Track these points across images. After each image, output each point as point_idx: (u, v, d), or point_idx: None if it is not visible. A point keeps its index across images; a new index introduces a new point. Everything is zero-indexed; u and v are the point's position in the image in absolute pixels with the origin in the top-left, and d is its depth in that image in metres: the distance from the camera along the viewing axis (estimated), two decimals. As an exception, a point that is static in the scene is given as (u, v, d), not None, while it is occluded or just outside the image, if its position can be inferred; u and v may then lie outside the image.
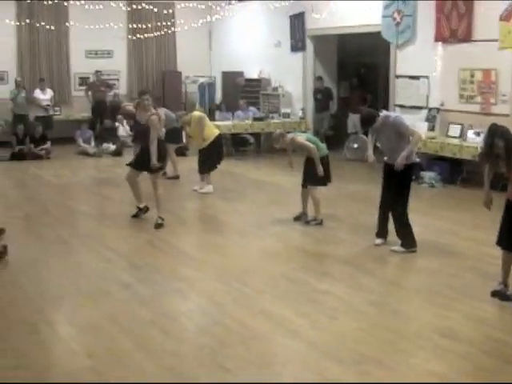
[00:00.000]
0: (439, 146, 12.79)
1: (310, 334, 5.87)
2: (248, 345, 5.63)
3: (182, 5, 19.59)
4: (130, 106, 11.13)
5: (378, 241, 8.62)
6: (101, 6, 18.34)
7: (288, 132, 10.67)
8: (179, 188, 12.73)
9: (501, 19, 11.96)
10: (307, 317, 6.26)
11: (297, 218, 9.96)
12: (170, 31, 20.25)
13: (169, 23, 20.05)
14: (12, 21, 18.48)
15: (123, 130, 17.92)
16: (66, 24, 19.14)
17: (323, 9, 16.23)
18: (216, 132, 12.46)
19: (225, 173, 13.59)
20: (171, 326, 6.11)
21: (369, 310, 6.49)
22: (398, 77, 14.63)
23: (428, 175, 12.78)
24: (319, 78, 17.25)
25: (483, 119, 11.98)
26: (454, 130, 12.99)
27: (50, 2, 18.41)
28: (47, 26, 18.77)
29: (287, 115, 17.25)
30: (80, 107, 19.24)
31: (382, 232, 8.63)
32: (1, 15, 17.99)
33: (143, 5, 19.63)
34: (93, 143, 17.57)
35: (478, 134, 12.18)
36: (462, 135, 12.76)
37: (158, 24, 20.03)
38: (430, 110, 13.62)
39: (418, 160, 8.79)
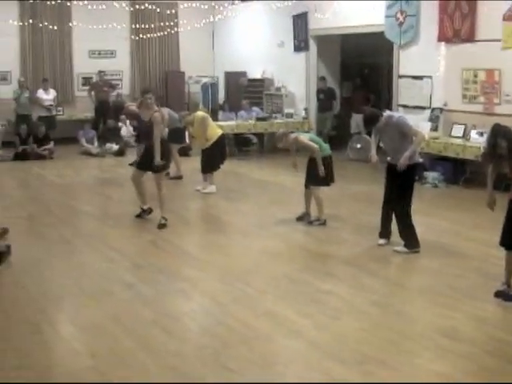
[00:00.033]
0: (442, 146, 12.77)
1: (312, 334, 5.87)
2: (251, 345, 5.63)
3: (185, 5, 19.59)
4: (133, 106, 11.13)
5: (381, 241, 8.61)
6: (104, 6, 18.35)
7: (291, 132, 10.66)
8: (182, 188, 12.74)
9: (504, 19, 11.94)
10: (310, 317, 6.26)
11: (300, 219, 9.96)
12: (172, 31, 20.28)
13: (172, 23, 20.08)
14: (15, 21, 18.51)
15: (126, 130, 17.93)
16: (69, 24, 19.15)
17: (326, 9, 16.23)
18: (219, 132, 12.46)
19: (228, 173, 13.59)
20: (174, 326, 6.12)
21: (371, 310, 6.48)
22: (401, 77, 14.62)
23: (431, 175, 12.77)
24: (322, 78, 17.25)
25: (486, 119, 11.96)
26: (457, 130, 12.98)
27: (52, 2, 18.43)
28: (50, 26, 18.79)
29: (290, 115, 17.25)
30: (83, 107, 19.26)
31: (385, 232, 8.62)
32: (4, 15, 17.99)
33: (146, 5, 19.65)
34: (96, 143, 17.58)
35: (481, 134, 12.16)
36: (466, 135, 12.74)
37: (161, 24, 20.04)
38: (433, 110, 13.61)
39: (421, 160, 8.79)
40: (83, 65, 19.58)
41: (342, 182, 11.30)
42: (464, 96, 12.97)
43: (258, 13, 18.83)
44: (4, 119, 18.34)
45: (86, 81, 19.61)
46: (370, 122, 8.43)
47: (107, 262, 8.11)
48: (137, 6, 19.67)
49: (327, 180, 9.77)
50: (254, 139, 17.78)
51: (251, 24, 19.25)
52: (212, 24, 20.34)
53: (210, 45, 21.19)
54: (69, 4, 19.03)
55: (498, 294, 6.68)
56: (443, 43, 13.37)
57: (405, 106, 14.45)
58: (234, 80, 19.45)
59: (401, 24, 14.26)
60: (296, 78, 17.72)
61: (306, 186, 9.84)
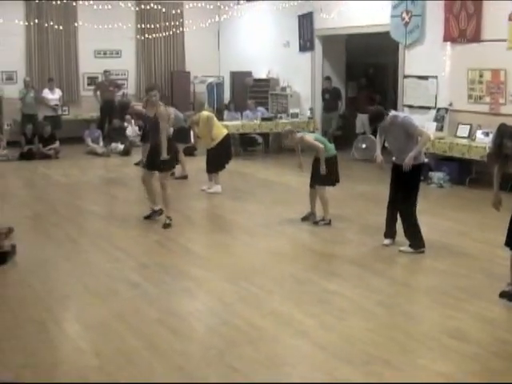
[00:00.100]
0: (448, 146, 12.76)
1: (318, 334, 5.87)
2: (256, 345, 5.63)
3: (191, 5, 19.62)
4: (138, 106, 11.15)
5: (387, 241, 8.61)
6: (109, 6, 18.38)
7: (297, 131, 10.66)
8: (188, 188, 12.74)
9: (510, 19, 11.93)
10: (316, 317, 6.26)
11: (305, 218, 9.96)
12: (178, 31, 20.33)
13: (177, 23, 20.12)
14: (21, 21, 18.54)
15: (132, 129, 17.95)
16: (75, 24, 19.19)
17: (332, 9, 16.23)
18: (224, 132, 12.47)
19: (233, 173, 13.60)
20: (179, 325, 6.12)
21: (377, 310, 6.48)
22: (406, 77, 14.61)
23: (436, 175, 12.76)
24: (327, 78, 17.24)
25: (492, 119, 11.95)
26: (463, 131, 12.97)
27: (58, 2, 18.46)
28: (56, 26, 18.83)
29: (295, 115, 17.24)
30: (88, 107, 19.29)
31: (390, 232, 8.62)
32: (10, 15, 18.03)
33: (152, 5, 19.70)
34: (101, 143, 17.61)
35: (486, 134, 12.15)
36: (471, 135, 12.73)
37: (167, 24, 20.08)
38: (439, 110, 13.60)
39: (426, 160, 8.78)
40: (89, 64, 19.62)
41: (347, 181, 11.31)
42: (469, 96, 12.96)
43: (264, 13, 18.84)
44: (10, 119, 18.41)
45: (92, 80, 19.63)
46: (375, 120, 8.42)
47: (113, 262, 8.12)
48: (142, 6, 19.71)
49: (332, 180, 9.78)
50: (260, 139, 17.80)
51: (257, 24, 19.26)
52: (217, 24, 20.37)
53: (215, 45, 21.20)
54: (74, 4, 19.06)
55: (502, 295, 6.66)
56: (449, 43, 13.36)
57: (410, 106, 14.44)
58: (240, 80, 19.45)
59: (406, 24, 14.26)
60: (301, 78, 17.72)
61: (312, 185, 9.84)
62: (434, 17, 13.57)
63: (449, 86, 13.46)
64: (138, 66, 20.54)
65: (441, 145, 12.88)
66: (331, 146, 9.88)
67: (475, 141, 12.48)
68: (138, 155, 15.67)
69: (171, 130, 10.74)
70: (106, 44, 19.52)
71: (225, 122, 15.51)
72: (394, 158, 8.44)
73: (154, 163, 9.73)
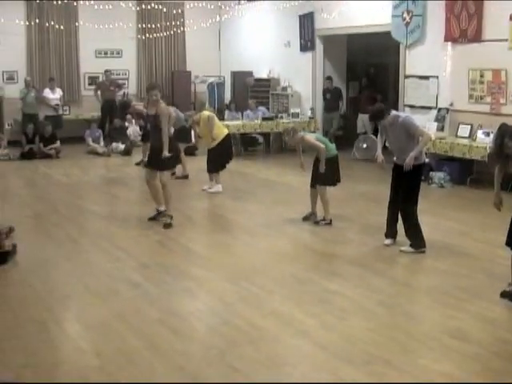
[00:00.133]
0: (449, 146, 12.76)
1: (319, 334, 5.87)
2: (257, 345, 5.63)
3: (192, 5, 19.64)
4: (139, 106, 11.12)
5: (387, 241, 8.61)
6: (110, 6, 18.41)
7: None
8: (188, 188, 12.74)
9: (511, 19, 11.93)
10: (317, 317, 6.25)
11: (306, 218, 9.96)
12: (179, 31, 20.35)
13: (178, 23, 20.14)
14: (22, 21, 18.56)
15: (133, 129, 17.95)
16: (76, 24, 19.22)
17: (332, 9, 16.23)
18: (225, 132, 12.47)
19: (234, 172, 13.60)
20: (180, 325, 6.12)
21: (378, 310, 6.48)
22: (407, 77, 14.61)
23: (437, 175, 12.76)
24: (328, 78, 17.25)
25: (493, 119, 11.96)
26: (464, 131, 12.97)
27: (59, 2, 18.48)
28: (57, 26, 18.86)
29: (296, 115, 17.24)
30: (89, 107, 19.30)
31: (391, 232, 8.62)
32: (11, 15, 18.06)
33: (152, 5, 19.72)
34: (102, 143, 17.61)
35: (487, 134, 12.17)
36: (472, 135, 12.73)
37: (168, 24, 20.10)
38: (440, 110, 13.60)
39: (427, 160, 8.77)
40: (89, 64, 19.63)
41: (348, 181, 11.31)
42: (470, 96, 12.96)
43: (265, 13, 18.85)
44: (11, 118, 18.42)
45: (93, 80, 19.64)
46: (376, 117, 8.39)
47: (114, 262, 8.12)
48: (143, 6, 19.73)
49: (333, 180, 9.78)
50: (260, 139, 17.80)
51: (257, 24, 19.26)
52: (218, 24, 20.39)
53: (216, 44, 21.21)
54: (75, 4, 19.07)
55: (503, 295, 6.66)
56: (450, 43, 13.36)
57: (411, 106, 14.45)
58: (241, 80, 19.46)
59: (407, 24, 14.26)
60: (302, 78, 17.73)
61: (312, 185, 9.84)
62: (435, 17, 13.57)
63: (450, 86, 13.46)
64: (139, 65, 20.55)
65: (442, 145, 12.87)
66: (332, 146, 9.87)
67: (476, 141, 12.49)
68: (138, 155, 15.69)
69: (172, 129, 10.73)
70: (107, 44, 19.53)
71: (226, 122, 15.53)
72: (394, 158, 8.44)
73: (155, 162, 9.70)
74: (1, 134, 17.64)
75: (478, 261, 8.03)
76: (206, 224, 10.78)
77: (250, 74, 19.40)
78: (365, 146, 15.83)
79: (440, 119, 13.47)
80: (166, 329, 5.99)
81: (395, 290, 7.13)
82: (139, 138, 16.90)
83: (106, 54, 19.91)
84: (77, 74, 19.73)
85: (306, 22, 17.29)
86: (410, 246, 8.32)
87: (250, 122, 17.08)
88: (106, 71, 18.91)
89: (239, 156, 15.83)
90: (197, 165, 13.92)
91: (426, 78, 14.03)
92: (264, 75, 19.09)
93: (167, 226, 9.60)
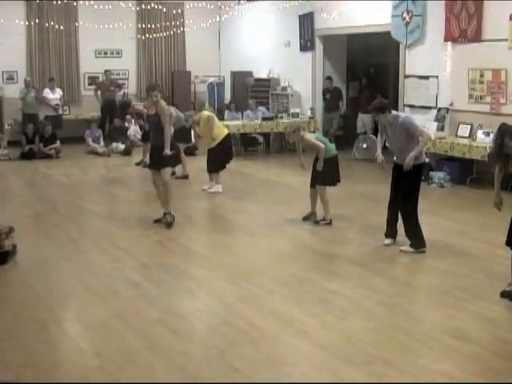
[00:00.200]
0: (449, 146, 12.75)
1: (319, 334, 5.87)
2: (257, 345, 5.63)
3: (191, 5, 19.65)
4: (139, 106, 11.12)
5: (387, 241, 8.61)
6: (110, 6, 18.41)
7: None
8: (188, 188, 12.74)
9: (510, 19, 11.94)
10: (317, 317, 6.25)
11: (306, 218, 9.95)
12: (179, 31, 20.35)
13: (178, 23, 20.14)
14: (22, 21, 18.56)
15: (133, 129, 17.94)
16: (76, 24, 19.22)
17: (332, 9, 16.23)
18: (225, 132, 12.47)
19: (234, 172, 13.60)
20: (180, 325, 6.12)
21: (378, 310, 6.48)
22: (407, 77, 14.62)
23: (437, 175, 12.76)
24: (328, 78, 17.25)
25: (493, 119, 11.96)
26: (464, 130, 12.97)
27: (59, 2, 18.49)
28: (57, 26, 18.86)
29: (296, 115, 17.23)
30: (89, 107, 19.31)
31: (391, 232, 8.62)
32: (10, 15, 18.06)
33: (152, 5, 19.72)
34: (102, 143, 17.61)
35: (487, 134, 12.17)
36: (472, 135, 12.73)
37: (167, 24, 20.11)
38: (440, 110, 13.60)
39: (427, 160, 8.77)
40: (89, 64, 19.63)
41: (348, 181, 11.32)
42: (470, 96, 12.97)
43: (264, 13, 18.84)
44: (11, 118, 18.42)
45: (93, 80, 19.65)
46: (378, 109, 8.28)
47: (114, 262, 8.12)
48: (143, 6, 19.73)
49: (333, 180, 9.78)
50: (260, 139, 17.80)
51: (257, 24, 19.26)
52: (218, 24, 20.39)
53: (216, 44, 21.20)
54: (75, 4, 19.07)
55: (503, 295, 6.66)
56: (449, 43, 13.37)
57: (411, 106, 14.45)
58: (240, 80, 19.45)
59: (407, 24, 14.26)
60: (302, 78, 17.73)
61: (312, 185, 9.84)
62: (435, 17, 13.57)
63: (449, 85, 13.46)
64: (139, 65, 20.54)
65: (442, 145, 12.87)
66: (332, 146, 9.88)
67: (476, 141, 12.49)
68: (139, 155, 15.70)
69: (172, 129, 10.72)
70: (107, 44, 19.53)
71: (225, 122, 15.53)
72: (394, 158, 8.44)
73: (156, 160, 9.67)
74: (1, 134, 17.65)
75: (478, 261, 8.03)
76: (206, 224, 10.78)
77: (250, 74, 19.39)
78: (365, 145, 15.83)
79: (440, 119, 13.48)
80: (166, 329, 5.99)
81: (395, 289, 7.13)
82: (139, 137, 16.88)
83: (105, 54, 19.91)
84: (77, 74, 19.73)
85: (306, 21, 17.29)
86: (410, 245, 8.32)
87: (250, 122, 17.08)
88: (106, 71, 18.92)
89: (239, 156, 15.83)
90: (197, 165, 13.93)
91: (426, 77, 14.03)
92: (264, 75, 19.09)
93: (169, 225, 9.58)
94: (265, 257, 8.34)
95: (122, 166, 15.67)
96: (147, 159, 11.49)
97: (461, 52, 13.15)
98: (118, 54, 20.13)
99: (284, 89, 18.28)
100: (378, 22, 14.92)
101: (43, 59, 19.16)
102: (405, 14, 14.29)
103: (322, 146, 9.53)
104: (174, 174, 12.20)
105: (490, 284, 7.10)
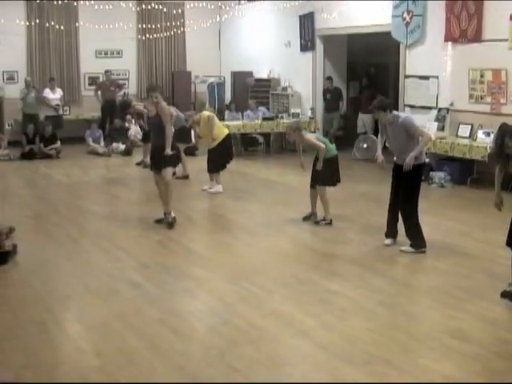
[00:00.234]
0: (449, 146, 12.75)
1: (319, 334, 5.87)
2: (257, 345, 5.63)
3: (192, 5, 19.64)
4: (140, 106, 11.11)
5: (388, 241, 8.61)
6: (110, 6, 18.40)
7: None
8: (189, 188, 12.73)
9: (511, 19, 11.93)
10: (317, 317, 6.25)
11: (306, 218, 9.95)
12: (179, 31, 20.35)
13: (178, 23, 20.13)
14: (22, 21, 18.54)
15: (134, 129, 17.93)
16: (76, 24, 19.19)
17: (332, 9, 16.23)
18: (225, 132, 12.47)
19: (234, 172, 13.60)
20: (180, 325, 6.12)
21: (378, 310, 6.47)
22: (407, 77, 14.61)
23: (438, 175, 12.75)
24: (329, 78, 17.24)
25: (493, 119, 11.96)
26: (464, 130, 12.97)
27: (59, 2, 18.47)
28: (57, 26, 18.84)
29: (297, 115, 17.21)
30: (90, 107, 19.29)
31: (391, 232, 8.62)
32: (11, 15, 18.04)
33: (153, 5, 19.71)
34: (102, 143, 17.60)
35: (487, 134, 12.17)
36: (472, 135, 12.73)
37: (168, 24, 20.10)
38: (440, 110, 13.60)
39: (427, 160, 8.76)
40: (90, 64, 19.61)
41: (348, 181, 11.32)
42: (471, 96, 12.96)
43: (265, 13, 18.84)
44: (11, 119, 18.42)
45: (93, 80, 19.64)
46: (378, 107, 8.27)
47: (114, 262, 8.12)
48: (143, 6, 19.72)
49: (333, 180, 9.78)
50: (261, 139, 17.80)
51: (258, 24, 19.25)
52: (218, 24, 20.38)
53: (216, 44, 21.19)
54: (75, 4, 19.05)
55: (504, 295, 6.66)
56: (450, 43, 13.36)
57: (411, 106, 14.44)
58: (241, 80, 19.44)
59: (407, 24, 14.25)
60: (302, 78, 17.72)
61: (312, 185, 9.84)
62: (435, 17, 13.57)
63: (450, 85, 13.46)
64: (139, 66, 20.53)
65: (442, 145, 12.87)
66: (332, 147, 9.87)
67: (476, 141, 12.48)
68: (139, 155, 15.69)
69: (172, 129, 10.71)
70: (107, 44, 19.52)
71: (226, 122, 15.53)
72: (395, 158, 8.44)
73: (157, 160, 9.65)
74: (1, 134, 17.64)
75: (479, 261, 8.03)
76: (207, 224, 10.78)
77: (250, 74, 19.38)
78: (365, 146, 15.83)
79: (440, 119, 13.47)
80: (167, 329, 5.99)
81: (395, 289, 7.13)
82: (139, 137, 16.87)
83: (106, 54, 19.90)
84: (77, 74, 19.71)
85: (307, 21, 17.29)
86: (411, 245, 8.31)
87: (251, 122, 17.07)
88: (107, 71, 18.90)
89: (239, 156, 15.83)
90: (197, 165, 13.92)
91: (426, 77, 14.03)
92: (264, 75, 19.08)
93: (170, 225, 9.57)
94: (265, 257, 8.34)
95: (122, 167, 15.67)
96: (148, 159, 11.48)
97: (461, 52, 13.15)
98: (118, 54, 20.12)
99: (284, 89, 18.27)
100: (378, 22, 14.91)
101: (43, 59, 19.14)
102: (405, 14, 14.28)
103: (323, 145, 9.53)
104: (174, 174, 12.19)
105: (490, 284, 7.10)
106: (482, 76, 12.70)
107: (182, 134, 13.12)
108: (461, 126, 13.07)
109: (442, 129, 13.33)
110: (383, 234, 8.65)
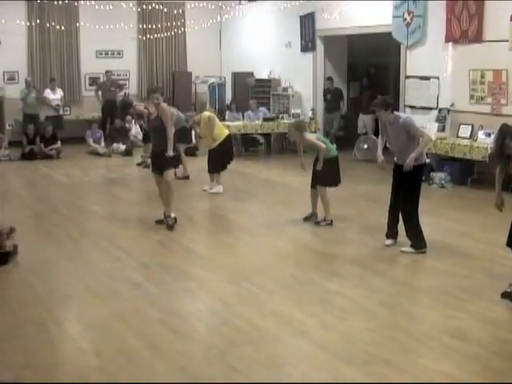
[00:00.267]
0: (449, 146, 12.75)
1: (319, 334, 5.87)
2: (257, 345, 5.63)
3: (192, 5, 19.66)
4: (140, 106, 11.11)
5: (388, 241, 8.60)
6: (111, 7, 18.40)
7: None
8: (189, 188, 12.73)
9: (511, 19, 11.92)
10: (317, 317, 6.25)
11: (307, 219, 9.95)
12: (180, 31, 20.36)
13: (179, 23, 20.14)
14: (22, 21, 18.55)
15: (135, 130, 17.92)
16: (77, 24, 19.21)
17: (333, 9, 16.23)
18: (226, 132, 12.47)
19: (235, 173, 13.60)
20: (181, 325, 6.12)
21: (378, 310, 6.47)
22: (408, 77, 14.60)
23: (438, 176, 12.75)
24: (329, 79, 17.24)
25: (494, 120, 11.96)
26: (465, 131, 12.97)
27: (60, 3, 18.50)
28: (58, 26, 18.85)
29: (297, 115, 17.19)
30: (90, 107, 19.30)
31: (391, 233, 8.61)
32: (11, 15, 18.06)
33: (153, 5, 19.72)
34: (103, 143, 17.60)
35: (488, 134, 12.16)
36: (473, 136, 12.73)
37: (168, 24, 20.11)
38: (441, 110, 13.59)
39: (427, 161, 8.76)
40: (90, 65, 19.62)
41: (349, 182, 11.31)
42: (471, 96, 12.96)
43: (265, 13, 18.84)
44: (11, 119, 18.42)
45: (94, 81, 19.66)
46: (380, 106, 8.24)
47: (114, 262, 8.12)
48: (144, 6, 19.73)
49: (334, 180, 9.78)
50: (261, 139, 17.80)
51: (258, 24, 19.25)
52: (219, 24, 20.38)
53: (217, 45, 21.20)
54: (76, 4, 19.07)
55: (504, 295, 6.66)
56: (450, 43, 13.36)
57: (412, 107, 14.44)
58: (241, 80, 19.45)
59: (408, 24, 14.25)
60: (303, 79, 17.73)
61: (313, 186, 9.84)
62: (436, 17, 13.57)
63: (450, 86, 13.45)
64: (140, 66, 20.54)
65: (442, 145, 12.87)
66: (332, 147, 9.87)
67: (477, 141, 12.48)
68: (139, 155, 15.68)
69: (173, 130, 10.71)
70: (108, 44, 19.53)
71: (226, 123, 15.54)
72: (395, 159, 8.44)
73: (159, 163, 9.63)
74: (2, 134, 17.62)
75: (479, 261, 8.03)
76: (207, 224, 10.78)
77: (251, 74, 19.39)
78: (365, 146, 15.83)
79: (441, 120, 13.47)
80: (167, 329, 5.99)
81: (395, 290, 7.13)
82: (140, 138, 16.87)
83: (106, 54, 19.90)
84: (77, 75, 19.72)
85: (307, 22, 17.29)
86: (411, 246, 8.31)
87: (251, 122, 17.07)
88: (107, 72, 18.91)
89: (240, 156, 15.83)
90: (197, 165, 13.92)
91: (427, 78, 14.02)
92: (265, 76, 19.09)
93: (170, 227, 9.56)
94: (265, 257, 8.34)
95: (122, 167, 15.67)
96: (148, 160, 11.47)
97: (462, 52, 13.15)
98: (118, 54, 20.13)
99: (285, 89, 18.27)
100: (378, 23, 14.91)
101: (44, 59, 19.15)
102: (406, 15, 14.28)
103: (323, 145, 9.53)
104: (175, 174, 12.20)
105: (490, 284, 7.10)
106: (482, 76, 12.69)
107: (183, 134, 13.11)
108: (461, 126, 13.07)
109: (442, 129, 13.32)
110: (383, 235, 8.65)
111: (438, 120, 13.50)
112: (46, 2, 18.73)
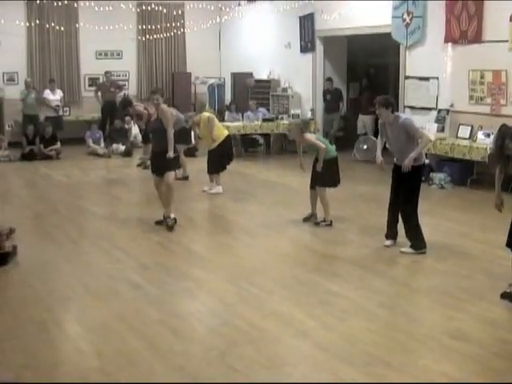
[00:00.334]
0: (449, 147, 12.75)
1: (319, 334, 5.87)
2: (257, 345, 5.63)
3: (192, 6, 19.67)
4: (140, 107, 11.11)
5: (388, 242, 8.60)
6: (110, 7, 18.43)
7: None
8: (189, 189, 12.72)
9: (511, 20, 11.93)
10: (317, 318, 6.25)
11: (306, 219, 9.95)
12: (179, 32, 20.37)
13: (178, 24, 20.15)
14: (22, 22, 18.55)
15: (135, 130, 17.91)
16: (76, 25, 19.23)
17: (333, 10, 16.23)
18: (225, 133, 12.47)
19: (234, 173, 13.60)
20: (180, 326, 6.12)
21: (378, 311, 6.47)
22: (407, 78, 14.61)
23: (438, 176, 12.75)
24: (329, 79, 17.24)
25: (493, 120, 11.96)
26: (464, 131, 12.97)
27: (59, 3, 18.53)
28: (57, 27, 18.87)
29: (297, 116, 17.22)
30: (90, 108, 19.30)
31: (391, 233, 8.61)
32: (11, 16, 18.06)
33: (153, 6, 19.72)
34: (102, 144, 17.60)
35: (487, 135, 12.17)
36: (472, 136, 12.73)
37: (168, 25, 20.11)
38: (440, 111, 13.59)
39: (427, 161, 8.76)
40: (90, 65, 19.63)
41: (348, 182, 11.32)
42: (471, 97, 12.96)
43: (265, 14, 18.85)
44: (11, 120, 18.42)
45: (93, 81, 19.66)
46: (382, 104, 8.24)
47: (114, 262, 8.12)
48: (143, 7, 19.74)
49: (333, 181, 9.78)
50: (261, 140, 17.80)
51: (258, 25, 19.26)
52: (218, 25, 20.39)
53: (216, 45, 21.20)
54: (76, 5, 19.07)
55: (504, 296, 6.66)
56: (450, 44, 13.36)
57: (411, 107, 14.44)
58: (241, 81, 19.45)
59: (407, 25, 14.25)
60: (302, 79, 17.73)
61: (312, 186, 9.84)
62: (435, 18, 13.57)
63: (450, 87, 13.46)
64: (139, 67, 20.55)
65: (442, 146, 12.87)
66: (332, 148, 9.88)
67: (476, 142, 12.48)
68: (139, 156, 15.69)
69: (172, 130, 10.72)
70: (107, 45, 19.53)
71: (226, 123, 15.54)
72: (395, 159, 8.44)
73: (160, 165, 9.62)
74: (1, 135, 17.64)
75: (479, 261, 8.03)
76: (207, 225, 10.78)
77: (251, 75, 19.39)
78: (365, 147, 15.83)
79: (440, 120, 13.47)
80: (167, 329, 5.99)
81: (395, 290, 7.13)
82: (139, 138, 16.86)
83: (106, 55, 19.91)
84: (77, 76, 19.73)
85: (307, 23, 17.30)
86: (411, 246, 8.31)
87: (251, 123, 17.08)
88: (107, 72, 18.92)
89: (239, 157, 15.82)
90: (197, 166, 13.93)
91: (427, 79, 14.03)
92: (264, 76, 19.09)
93: (170, 228, 9.55)
94: (265, 258, 8.34)
95: (122, 167, 15.68)
96: (148, 162, 11.48)
97: (461, 53, 13.15)
98: (118, 55, 20.13)
99: (284, 90, 18.28)
100: (378, 23, 14.91)
101: (44, 60, 19.16)
102: (405, 15, 14.28)
103: (323, 146, 9.53)
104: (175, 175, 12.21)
105: (490, 285, 7.10)
106: (482, 77, 12.70)
107: (182, 135, 13.09)
108: (461, 127, 13.07)
109: (442, 130, 13.33)
110: (383, 235, 8.65)
111: (437, 120, 13.50)
112: (46, 3, 18.74)
